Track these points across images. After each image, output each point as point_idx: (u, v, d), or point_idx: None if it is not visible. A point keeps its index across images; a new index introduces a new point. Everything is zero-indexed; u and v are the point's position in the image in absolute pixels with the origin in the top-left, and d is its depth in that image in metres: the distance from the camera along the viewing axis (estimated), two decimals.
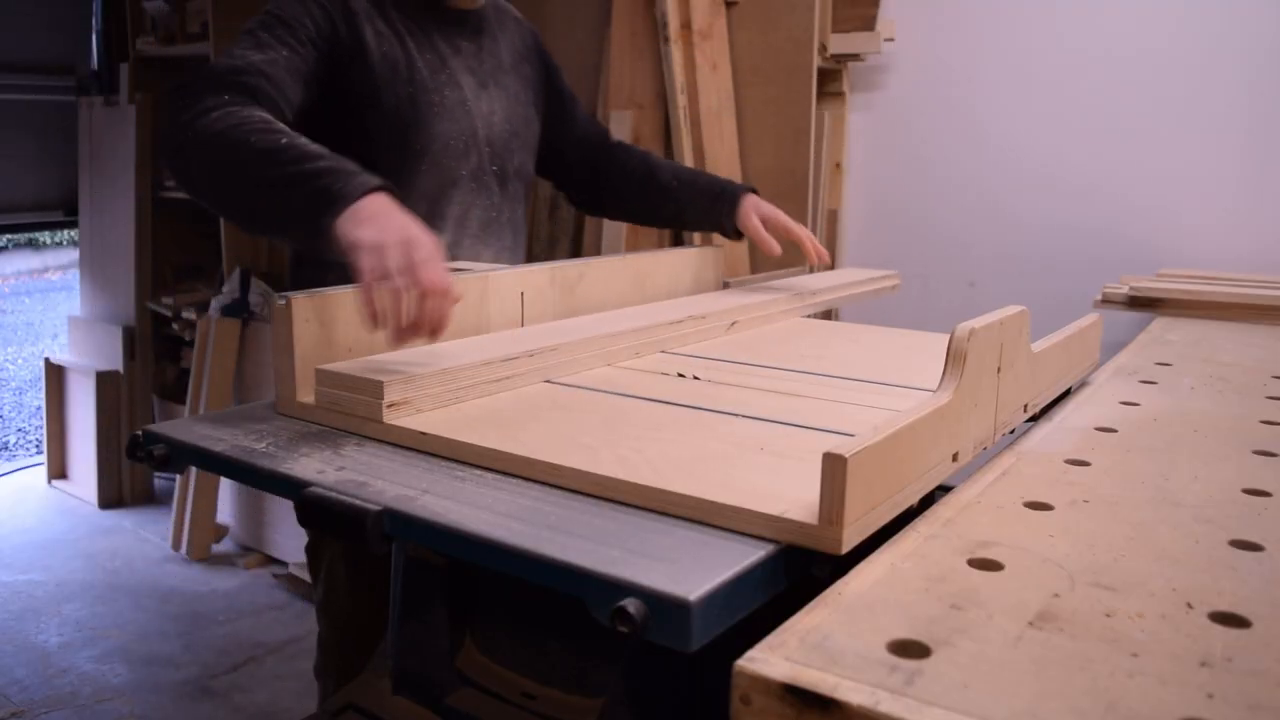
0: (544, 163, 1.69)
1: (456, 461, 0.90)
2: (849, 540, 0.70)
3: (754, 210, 1.59)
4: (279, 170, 1.05)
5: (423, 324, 0.96)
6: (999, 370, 0.96)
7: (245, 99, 1.18)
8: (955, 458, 0.88)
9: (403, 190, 1.34)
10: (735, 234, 1.63)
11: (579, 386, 1.13)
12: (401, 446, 0.95)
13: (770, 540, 0.73)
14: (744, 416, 1.02)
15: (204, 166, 1.12)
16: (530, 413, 1.01)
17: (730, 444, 0.92)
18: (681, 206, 1.64)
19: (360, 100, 1.37)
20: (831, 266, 1.60)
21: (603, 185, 1.72)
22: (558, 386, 1.13)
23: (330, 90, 1.35)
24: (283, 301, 1.01)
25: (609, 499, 0.81)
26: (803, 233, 1.59)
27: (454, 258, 1.47)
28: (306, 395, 1.03)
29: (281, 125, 1.13)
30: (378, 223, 0.99)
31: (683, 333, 1.37)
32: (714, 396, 1.10)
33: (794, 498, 0.76)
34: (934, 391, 0.86)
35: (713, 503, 0.76)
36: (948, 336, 0.89)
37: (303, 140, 1.10)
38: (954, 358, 0.86)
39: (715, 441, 0.92)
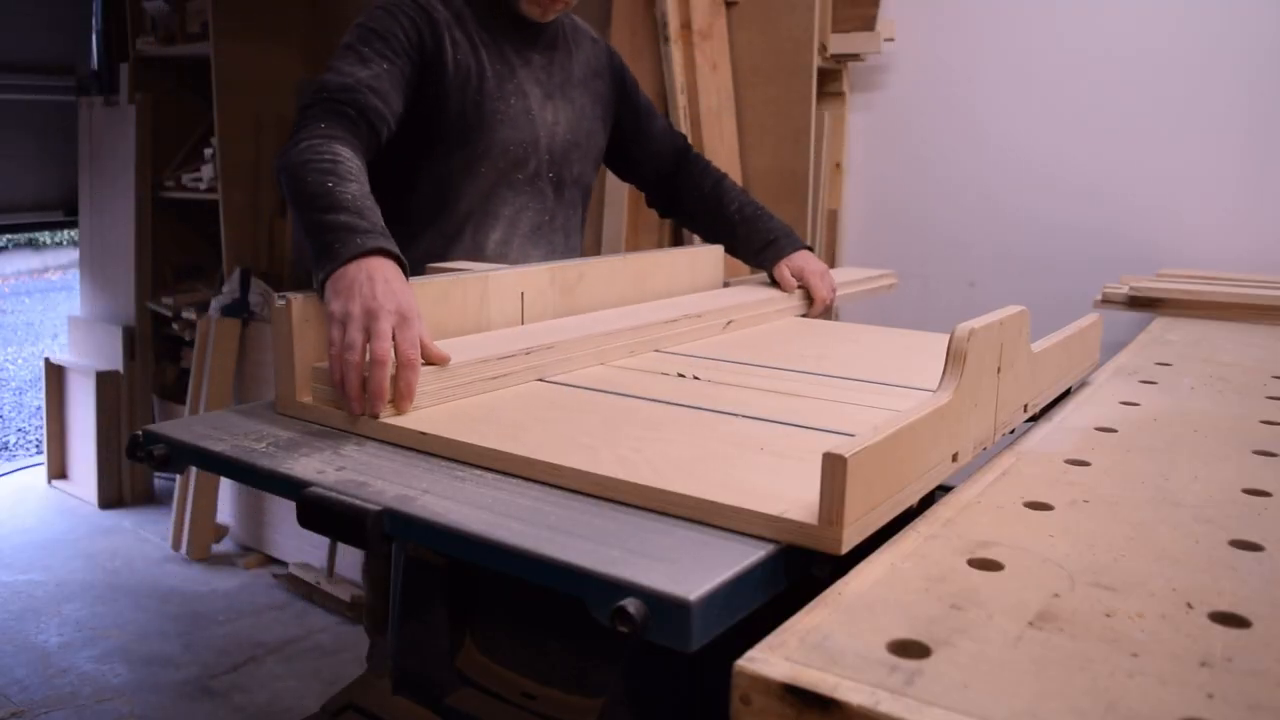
0: (624, 169, 1.84)
1: (457, 461, 0.90)
2: (849, 540, 0.70)
3: (790, 264, 1.67)
4: (309, 215, 1.14)
5: (375, 395, 0.97)
6: (999, 370, 0.96)
7: (347, 123, 1.32)
8: (955, 458, 0.88)
9: (461, 189, 1.52)
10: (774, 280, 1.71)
11: (575, 386, 1.14)
12: (401, 446, 0.95)
13: (770, 540, 0.73)
14: (743, 416, 1.02)
15: (283, 190, 1.24)
16: (529, 412, 1.01)
17: (730, 444, 0.92)
18: (737, 243, 1.73)
19: (434, 103, 1.48)
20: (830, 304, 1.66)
21: (674, 197, 1.82)
22: (554, 386, 1.13)
23: (415, 93, 1.47)
24: (282, 302, 1.01)
25: (609, 499, 0.81)
26: (819, 291, 1.65)
27: (504, 256, 1.59)
28: (307, 395, 1.03)
29: (346, 167, 1.21)
30: (351, 292, 1.02)
31: (678, 331, 1.37)
32: (713, 396, 1.10)
33: (794, 498, 0.75)
34: (934, 391, 0.86)
35: (712, 502, 0.76)
36: (947, 337, 0.89)
37: (352, 187, 1.17)
38: (954, 358, 0.86)
39: (715, 441, 0.92)
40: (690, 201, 1.80)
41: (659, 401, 1.07)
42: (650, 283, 1.57)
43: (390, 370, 0.97)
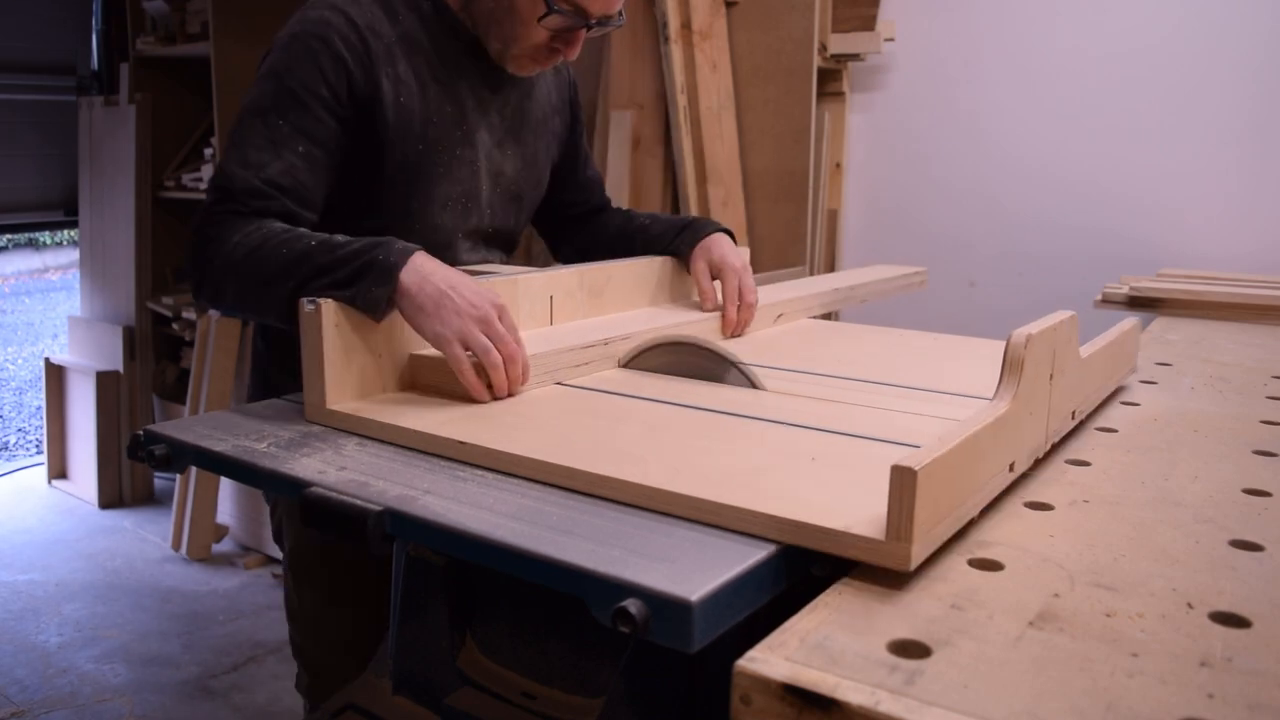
0: (535, 212, 1.59)
1: (457, 462, 0.90)
2: (917, 556, 0.67)
3: (707, 252, 1.44)
4: (307, 268, 1.05)
5: (507, 387, 1.05)
6: (1051, 377, 0.92)
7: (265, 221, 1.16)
8: (1012, 468, 0.85)
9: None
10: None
11: (597, 390, 1.11)
12: (402, 446, 0.95)
13: (832, 556, 0.70)
14: (785, 424, 0.99)
15: (241, 289, 1.12)
16: (563, 418, 0.99)
17: (779, 454, 0.88)
18: (651, 239, 1.53)
19: (369, 157, 1.28)
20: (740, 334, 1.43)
21: (586, 245, 1.61)
22: (576, 390, 1.11)
23: (345, 155, 1.26)
24: (312, 307, 0.99)
25: (662, 511, 0.78)
26: (731, 293, 1.40)
27: None
28: (338, 402, 1.01)
29: (305, 230, 1.14)
30: (443, 306, 1.02)
31: (697, 333, 1.33)
32: (749, 403, 1.07)
33: (854, 512, 0.72)
34: (990, 400, 0.83)
35: (771, 517, 0.73)
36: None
37: (329, 235, 1.11)
38: (1011, 365, 0.83)
39: (763, 451, 0.89)
40: (600, 240, 1.58)
41: (694, 408, 1.04)
42: (677, 285, 1.53)
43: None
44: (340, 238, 1.09)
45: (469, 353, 1.03)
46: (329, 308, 1.00)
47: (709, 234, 1.47)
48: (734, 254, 1.44)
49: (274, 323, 1.12)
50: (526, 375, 1.07)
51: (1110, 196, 2.57)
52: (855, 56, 2.80)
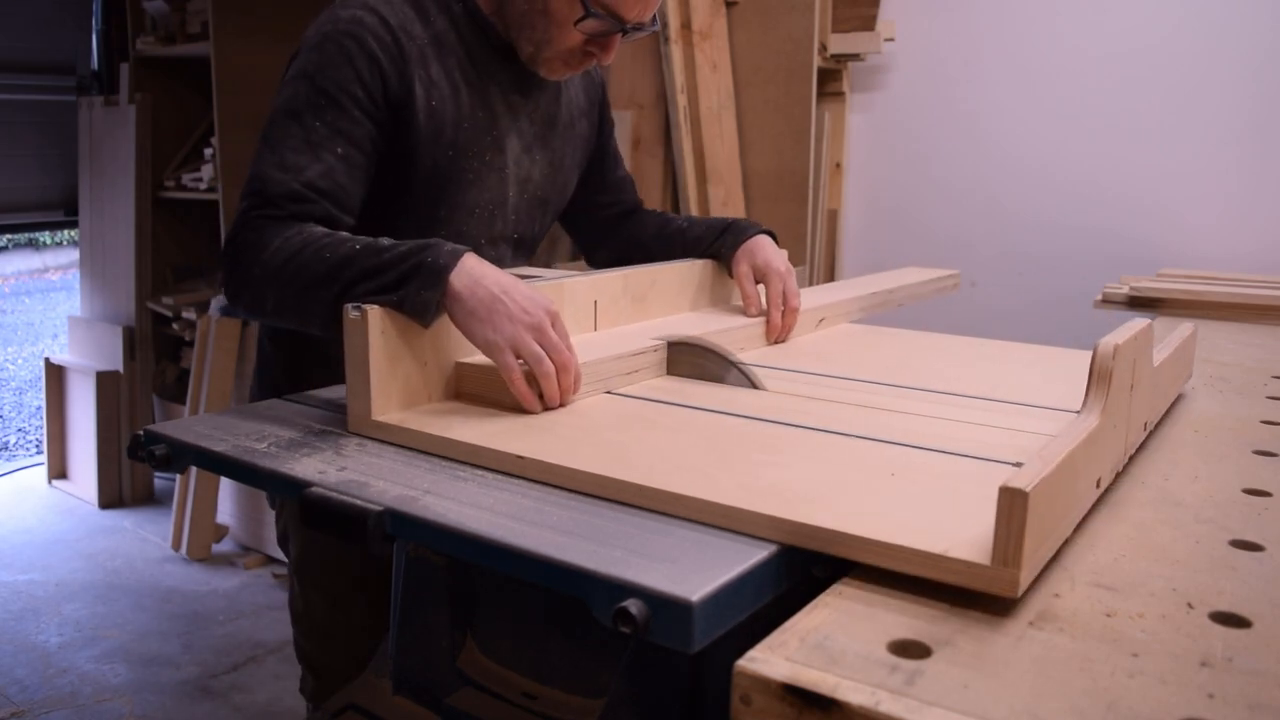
0: (565, 214, 1.58)
1: (458, 463, 0.90)
2: (1024, 582, 0.64)
3: (751, 256, 1.41)
4: (349, 271, 1.02)
5: (559, 397, 1.02)
6: (1132, 388, 0.89)
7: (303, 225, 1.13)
8: (1098, 484, 0.82)
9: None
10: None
11: (648, 399, 1.07)
12: (403, 447, 0.95)
13: (930, 579, 0.66)
14: (850, 436, 0.94)
15: (282, 296, 1.08)
16: (619, 430, 0.96)
17: (854, 469, 0.85)
18: (690, 242, 1.49)
19: (398, 158, 1.25)
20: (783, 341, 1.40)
21: (620, 249, 1.58)
22: (623, 398, 1.07)
23: (380, 158, 1.24)
24: (357, 313, 0.96)
25: (737, 530, 0.74)
26: (776, 298, 1.37)
27: None
28: (384, 413, 0.97)
29: (346, 234, 1.10)
30: (495, 313, 0.99)
31: (743, 338, 1.31)
32: (806, 412, 1.03)
33: (951, 533, 0.69)
34: (1078, 413, 0.80)
35: (862, 539, 0.69)
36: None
37: (372, 239, 1.07)
38: (1099, 376, 0.80)
39: (835, 466, 0.86)
40: (638, 244, 1.55)
41: (753, 419, 1.00)
42: (718, 289, 1.49)
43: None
44: (385, 240, 1.05)
45: (520, 361, 0.99)
46: (375, 314, 0.96)
47: (751, 236, 1.44)
48: (778, 257, 1.41)
49: (316, 331, 1.08)
50: (578, 384, 1.03)
51: (1110, 196, 2.57)
52: (855, 56, 2.80)
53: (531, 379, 1.00)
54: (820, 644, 0.58)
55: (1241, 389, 1.27)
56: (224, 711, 2.42)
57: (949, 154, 2.78)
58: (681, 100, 2.59)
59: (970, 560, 0.65)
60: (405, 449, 0.94)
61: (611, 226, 1.61)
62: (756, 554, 0.70)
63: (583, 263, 1.69)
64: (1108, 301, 2.01)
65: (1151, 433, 1.05)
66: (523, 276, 1.22)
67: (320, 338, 1.08)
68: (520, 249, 1.45)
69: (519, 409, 1.00)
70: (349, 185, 1.18)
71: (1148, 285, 1.99)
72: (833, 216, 2.89)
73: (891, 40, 2.79)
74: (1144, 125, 2.52)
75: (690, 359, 1.18)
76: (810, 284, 2.70)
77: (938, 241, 2.81)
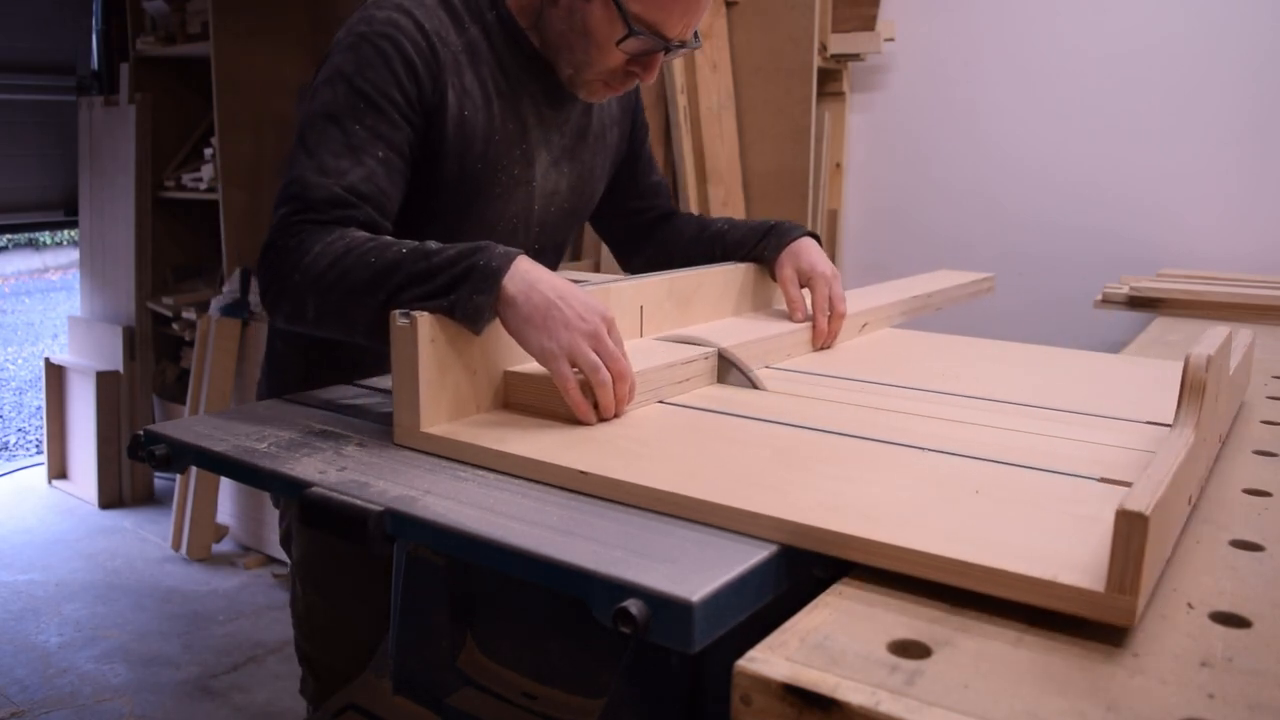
0: (596, 216, 1.55)
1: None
2: (1140, 608, 0.61)
3: (795, 259, 1.38)
4: (397, 276, 0.98)
5: (614, 407, 0.98)
6: (1216, 399, 0.86)
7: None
8: (1190, 501, 0.79)
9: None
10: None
11: (703, 409, 1.03)
12: (411, 449, 0.94)
13: (1040, 609, 0.63)
14: (915, 448, 0.91)
15: (324, 303, 1.04)
16: (682, 442, 0.92)
17: (933, 484, 0.81)
18: (729, 245, 1.45)
19: (428, 167, 1.21)
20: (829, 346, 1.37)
21: (656, 253, 1.54)
22: (677, 408, 1.04)
23: (414, 163, 1.20)
24: (405, 321, 0.92)
25: (820, 554, 0.71)
26: (821, 302, 1.34)
27: None
28: (433, 425, 0.94)
29: (390, 238, 1.05)
30: (550, 319, 0.95)
31: (790, 344, 1.29)
32: (863, 422, 0.99)
33: (1052, 556, 0.65)
34: (1171, 427, 0.77)
35: (963, 563, 0.65)
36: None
37: (418, 243, 1.03)
38: (1192, 388, 0.77)
39: (912, 480, 0.81)
40: (675, 249, 1.51)
41: (820, 430, 0.96)
42: (761, 293, 1.47)
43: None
44: (432, 244, 1.00)
45: (575, 370, 0.95)
46: (425, 321, 0.92)
47: (795, 239, 1.40)
48: (823, 261, 1.38)
49: (361, 339, 1.03)
50: (633, 394, 0.99)
51: (1110, 197, 2.57)
52: (855, 56, 2.80)
53: (586, 388, 0.96)
54: (820, 644, 0.58)
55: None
56: (224, 711, 2.42)
57: (949, 154, 2.78)
58: (681, 100, 2.59)
59: (1083, 587, 0.61)
60: (404, 449, 0.94)
61: (646, 232, 1.57)
62: (757, 554, 0.70)
63: (587, 264, 1.68)
64: (1108, 301, 2.01)
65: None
66: (575, 282, 1.20)
67: (338, 341, 1.06)
68: (543, 258, 1.41)
69: (572, 419, 0.96)
70: (390, 190, 1.14)
71: (1148, 285, 1.99)
72: (833, 216, 2.89)
73: (891, 40, 2.79)
74: (1144, 125, 2.52)
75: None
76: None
77: (938, 242, 2.81)
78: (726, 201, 2.67)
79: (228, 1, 3.38)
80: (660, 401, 1.06)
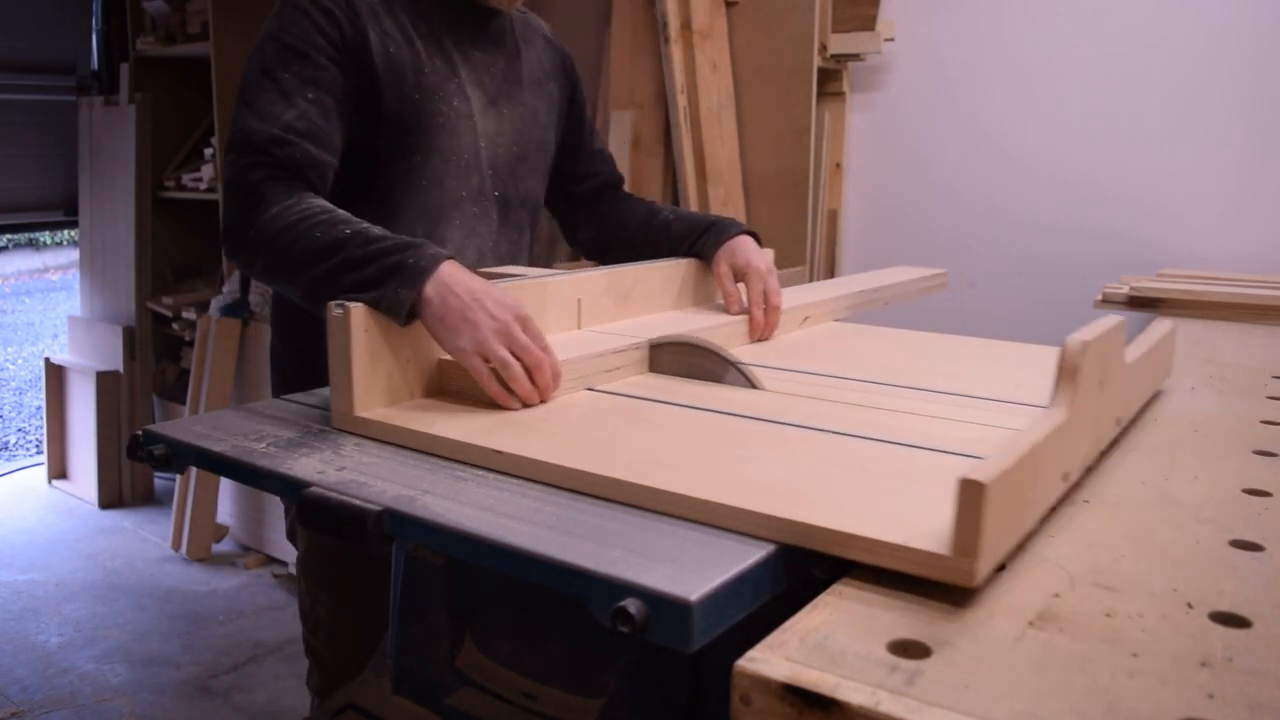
0: (548, 191, 1.58)
1: (455, 462, 0.90)
2: (982, 572, 0.65)
3: (731, 255, 1.42)
4: (333, 259, 1.06)
5: (536, 395, 1.03)
6: (1102, 383, 0.91)
7: (293, 178, 1.18)
8: (1065, 478, 0.83)
9: (403, 205, 1.33)
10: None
11: (629, 396, 1.08)
12: (402, 447, 0.94)
13: (892, 570, 0.68)
14: (827, 432, 0.96)
15: (271, 264, 1.14)
16: (597, 425, 0.97)
17: (826, 463, 0.86)
18: (673, 239, 1.50)
19: (368, 106, 1.29)
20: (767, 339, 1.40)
21: (603, 230, 1.59)
22: (605, 395, 1.09)
23: (350, 104, 1.28)
24: (340, 310, 0.97)
25: (713, 525, 0.76)
26: (756, 297, 1.38)
27: None
28: (366, 409, 0.99)
29: (343, 214, 1.14)
30: (463, 320, 1.01)
31: (726, 335, 1.32)
32: (785, 409, 1.04)
33: (916, 525, 0.70)
34: (1045, 407, 0.81)
35: (829, 530, 0.70)
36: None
37: (365, 225, 1.11)
38: (1066, 372, 0.81)
39: (808, 460, 0.87)
40: (622, 229, 1.55)
41: (732, 415, 1.01)
42: (702, 288, 1.50)
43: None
44: (376, 230, 1.09)
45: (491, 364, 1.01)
46: (358, 312, 0.98)
47: (732, 236, 1.45)
48: (758, 256, 1.42)
49: (298, 299, 1.13)
50: (558, 381, 1.05)
51: (1110, 197, 2.57)
52: (855, 56, 2.80)
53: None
54: (820, 644, 0.58)
55: (1241, 389, 1.27)
56: (224, 711, 2.42)
57: (949, 154, 2.78)
58: (681, 100, 2.59)
59: (931, 550, 0.66)
60: (404, 448, 0.94)
61: (591, 202, 1.61)
62: (755, 554, 0.70)
63: (584, 262, 1.68)
64: (1108, 301, 2.01)
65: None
66: (507, 276, 1.24)
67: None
68: (508, 213, 1.45)
69: (500, 406, 1.02)
70: (325, 125, 1.23)
71: (1148, 285, 1.99)
72: (833, 216, 2.89)
73: (891, 40, 2.78)
74: (1144, 125, 2.51)
75: (686, 358, 1.18)
76: (811, 282, 2.70)
77: (938, 241, 2.81)
78: (726, 201, 2.67)
79: (228, 1, 3.38)
80: (590, 389, 1.11)
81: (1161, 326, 1.20)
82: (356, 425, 0.99)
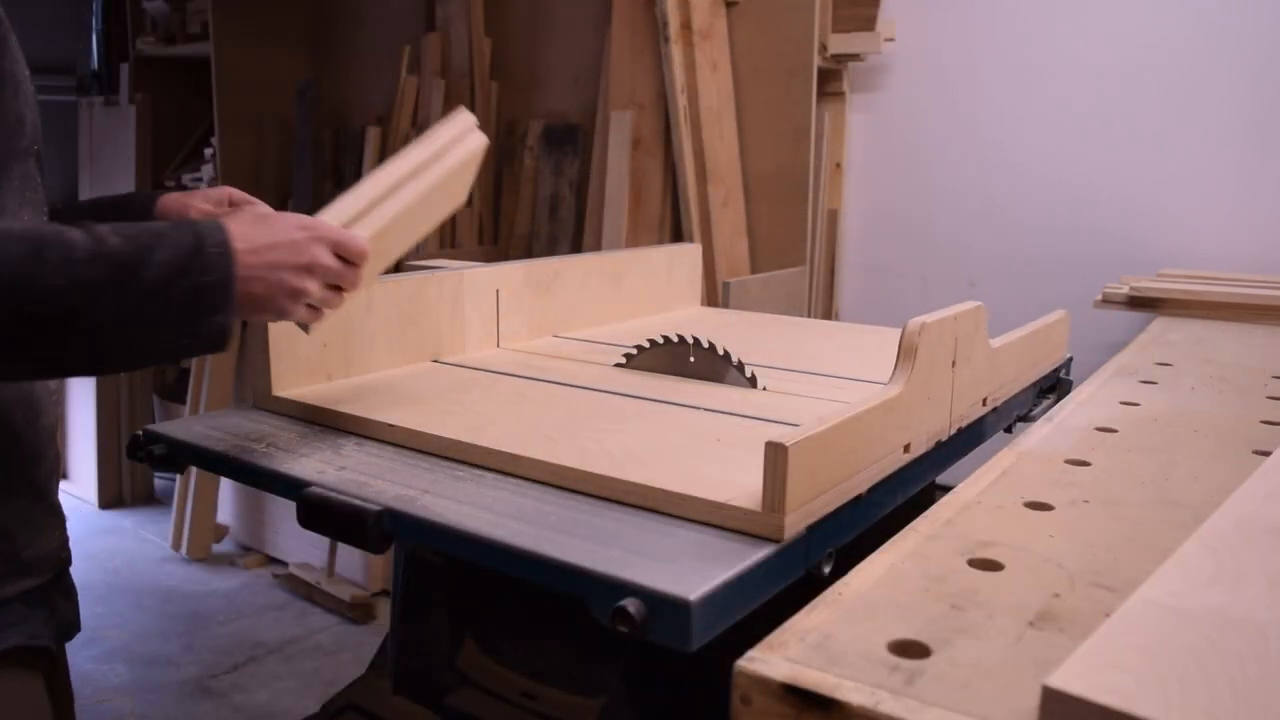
0: None
1: (451, 459, 0.90)
2: (791, 526, 0.72)
3: (205, 196, 1.12)
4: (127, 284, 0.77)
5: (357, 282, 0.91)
6: (954, 364, 0.98)
7: None
8: (907, 449, 0.91)
9: None
10: None
11: (488, 370, 1.19)
12: (399, 445, 0.95)
13: (718, 527, 0.75)
14: (689, 407, 1.06)
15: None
16: (499, 405, 1.05)
17: (686, 435, 0.95)
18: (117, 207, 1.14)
19: None
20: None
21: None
22: (462, 370, 1.19)
23: None
24: None
25: (567, 488, 0.84)
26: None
27: None
28: (283, 389, 1.06)
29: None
30: (263, 296, 0.84)
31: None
32: (657, 387, 1.14)
33: (743, 486, 0.77)
34: (885, 384, 0.88)
35: (662, 490, 0.78)
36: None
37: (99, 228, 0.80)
38: (905, 352, 0.89)
39: (671, 432, 0.96)
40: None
41: (612, 393, 1.10)
42: (626, 281, 1.57)
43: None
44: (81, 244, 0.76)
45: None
46: None
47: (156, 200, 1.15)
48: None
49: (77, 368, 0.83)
50: (364, 259, 0.90)
51: (1110, 198, 2.57)
52: (855, 56, 2.80)
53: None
54: (820, 644, 0.58)
55: (1241, 389, 1.27)
56: (224, 711, 2.42)
57: (949, 154, 2.78)
58: (681, 100, 2.59)
59: (745, 507, 0.74)
60: (403, 448, 0.94)
61: None
62: (755, 554, 0.70)
63: (577, 258, 1.69)
64: (1108, 301, 2.01)
65: (1151, 432, 1.05)
66: (428, 267, 1.32)
67: None
68: (42, 172, 1.04)
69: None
70: None
71: (1148, 285, 1.99)
72: (833, 216, 2.89)
73: (891, 40, 2.78)
74: (1144, 125, 2.51)
75: (685, 358, 1.18)
76: (811, 282, 2.70)
77: (938, 241, 2.81)
78: (726, 201, 2.67)
79: (228, 1, 3.38)
80: (492, 371, 1.20)
81: (1054, 315, 1.31)
82: (273, 404, 1.06)
